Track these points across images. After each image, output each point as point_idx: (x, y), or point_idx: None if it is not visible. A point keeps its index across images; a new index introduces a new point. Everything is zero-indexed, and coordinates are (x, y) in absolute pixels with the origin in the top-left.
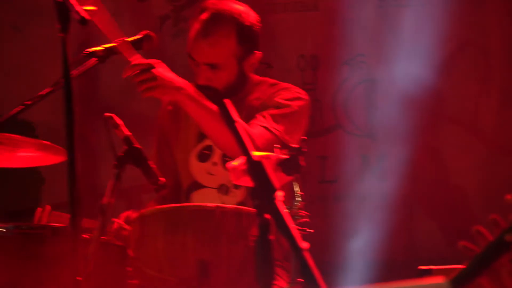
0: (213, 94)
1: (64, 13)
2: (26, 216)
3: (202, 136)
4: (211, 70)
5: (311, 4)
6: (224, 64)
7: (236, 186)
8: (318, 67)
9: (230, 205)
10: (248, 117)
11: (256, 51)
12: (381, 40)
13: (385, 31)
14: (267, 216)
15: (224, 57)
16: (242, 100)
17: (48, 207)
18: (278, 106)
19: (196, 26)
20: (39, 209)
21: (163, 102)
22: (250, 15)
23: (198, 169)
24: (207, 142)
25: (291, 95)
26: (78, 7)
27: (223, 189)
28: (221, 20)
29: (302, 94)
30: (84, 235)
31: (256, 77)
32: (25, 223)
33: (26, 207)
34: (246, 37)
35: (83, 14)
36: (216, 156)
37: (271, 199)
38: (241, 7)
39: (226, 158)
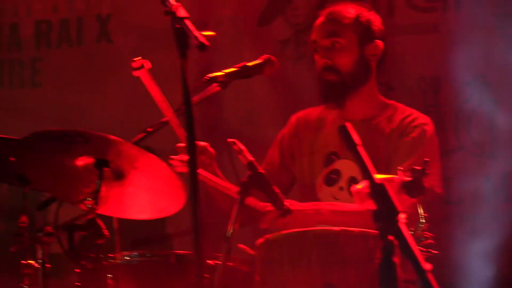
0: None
1: (183, 39)
2: (151, 244)
3: (329, 160)
4: (331, 50)
5: (431, 26)
6: (343, 38)
7: None
8: (440, 88)
9: (355, 228)
10: (375, 139)
11: (377, 40)
12: (502, 61)
13: (506, 52)
14: (391, 238)
15: (343, 27)
16: (370, 122)
17: None
18: (412, 148)
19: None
20: None
21: (292, 117)
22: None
23: (324, 193)
24: (335, 166)
25: (419, 130)
26: (196, 33)
27: None
28: (341, 2)
29: (428, 122)
30: (209, 262)
31: (383, 99)
32: (150, 251)
33: (151, 235)
34: (366, 19)
35: (202, 39)
36: (343, 181)
37: (394, 221)
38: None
39: (352, 182)
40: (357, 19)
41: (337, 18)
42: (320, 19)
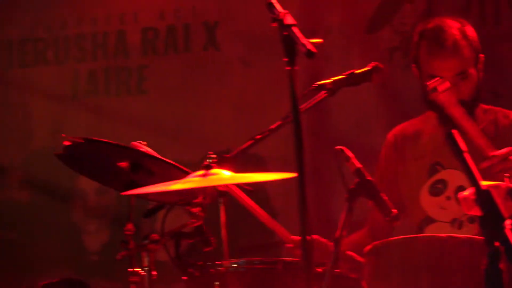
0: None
1: (291, 46)
2: (259, 251)
3: (434, 170)
4: (461, 81)
5: None
6: (466, 71)
7: (470, 220)
8: None
9: (462, 235)
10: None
11: (480, 54)
12: None
13: None
14: (497, 244)
15: (468, 61)
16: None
17: None
18: None
19: (424, 44)
20: None
21: (388, 135)
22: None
23: (430, 204)
24: (439, 176)
25: None
26: (304, 40)
27: (457, 223)
28: (447, 27)
29: None
30: (317, 269)
31: (482, 104)
32: (257, 258)
33: (258, 243)
34: (471, 37)
35: (310, 47)
36: (450, 190)
37: (501, 227)
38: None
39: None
40: (470, 44)
41: (459, 51)
42: (428, 33)
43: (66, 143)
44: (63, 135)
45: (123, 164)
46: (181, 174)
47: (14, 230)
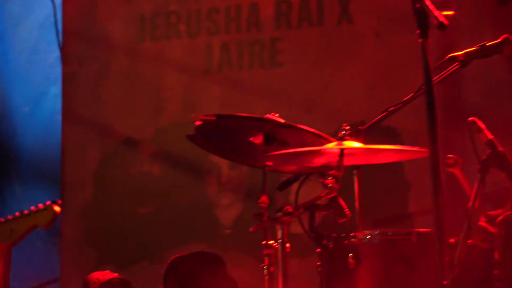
0: None
1: (423, 18)
2: (392, 223)
3: None
4: None
5: None
6: None
7: None
8: None
9: None
10: None
11: None
12: None
13: None
14: None
15: None
16: None
17: None
18: None
19: None
20: None
21: None
22: None
23: None
24: None
25: None
26: (436, 13)
27: None
28: None
29: None
30: (450, 239)
31: None
32: (391, 229)
33: (393, 214)
34: None
35: (442, 19)
36: None
37: None
38: None
39: None
40: None
41: None
42: None
43: (198, 123)
44: (193, 114)
45: (257, 137)
46: (317, 142)
47: (147, 204)
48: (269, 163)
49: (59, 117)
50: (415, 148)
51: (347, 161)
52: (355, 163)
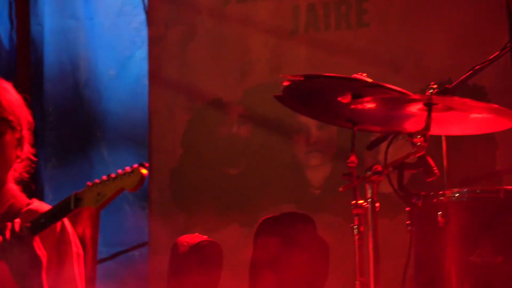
0: None
1: None
2: (481, 181)
3: None
4: None
5: None
6: None
7: None
8: None
9: None
10: None
11: None
12: None
13: None
14: None
15: None
16: None
17: None
18: None
19: None
20: None
21: None
22: None
23: None
24: None
25: None
26: None
27: None
28: None
29: None
30: None
31: None
32: (479, 187)
33: (481, 173)
34: None
35: None
36: None
37: None
38: None
39: None
40: None
41: None
42: None
43: (286, 83)
44: (281, 75)
45: (345, 97)
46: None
47: (236, 165)
48: (358, 122)
49: (145, 80)
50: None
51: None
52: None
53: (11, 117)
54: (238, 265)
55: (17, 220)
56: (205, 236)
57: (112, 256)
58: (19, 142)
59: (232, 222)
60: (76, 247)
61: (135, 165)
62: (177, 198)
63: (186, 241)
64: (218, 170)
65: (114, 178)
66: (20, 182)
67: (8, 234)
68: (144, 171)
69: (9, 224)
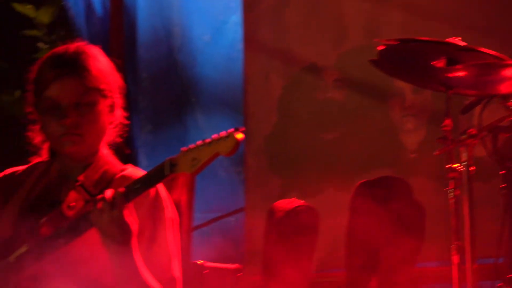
0: None
1: None
2: None
3: None
4: None
5: None
6: None
7: None
8: None
9: None
10: None
11: None
12: None
13: None
14: None
15: None
16: None
17: None
18: None
19: None
20: None
21: None
22: None
23: None
24: None
25: None
26: None
27: None
28: None
29: None
30: None
31: None
32: None
33: None
34: None
35: None
36: None
37: None
38: None
39: None
40: None
41: None
42: None
43: (380, 47)
44: (375, 39)
45: (439, 61)
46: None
47: (331, 130)
48: (452, 86)
49: (240, 46)
50: None
51: None
52: None
53: (102, 86)
54: (335, 230)
55: (110, 189)
56: (302, 201)
57: (208, 222)
58: (111, 108)
59: (328, 187)
60: (171, 213)
61: (231, 130)
62: (273, 163)
63: (283, 207)
64: (314, 135)
65: (209, 143)
66: (113, 147)
67: (100, 201)
68: (239, 135)
69: (105, 191)
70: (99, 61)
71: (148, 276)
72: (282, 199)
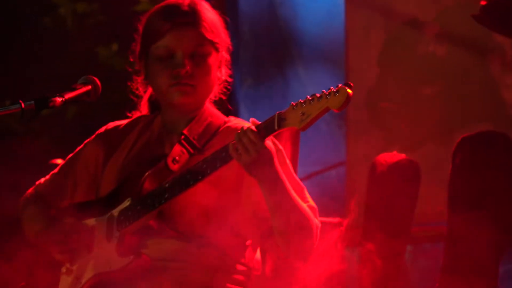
0: None
1: None
2: None
3: None
4: None
5: None
6: None
7: None
8: None
9: None
10: None
11: None
12: None
13: None
14: None
15: None
16: None
17: None
18: None
19: None
20: None
21: None
22: None
23: None
24: None
25: None
26: None
27: None
28: None
29: None
30: None
31: None
32: None
33: None
34: None
35: None
36: None
37: None
38: None
39: None
40: None
41: None
42: None
43: (483, 2)
44: None
45: None
46: None
47: (432, 84)
48: None
49: (341, 0)
50: None
51: None
52: None
53: (216, 39)
54: (436, 183)
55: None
56: (403, 155)
57: (310, 176)
58: (220, 64)
59: (428, 141)
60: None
61: (340, 85)
62: (374, 117)
63: (385, 160)
64: (415, 89)
65: (319, 98)
66: (217, 102)
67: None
68: (349, 90)
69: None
70: (213, 15)
71: (298, 199)
72: (384, 152)
